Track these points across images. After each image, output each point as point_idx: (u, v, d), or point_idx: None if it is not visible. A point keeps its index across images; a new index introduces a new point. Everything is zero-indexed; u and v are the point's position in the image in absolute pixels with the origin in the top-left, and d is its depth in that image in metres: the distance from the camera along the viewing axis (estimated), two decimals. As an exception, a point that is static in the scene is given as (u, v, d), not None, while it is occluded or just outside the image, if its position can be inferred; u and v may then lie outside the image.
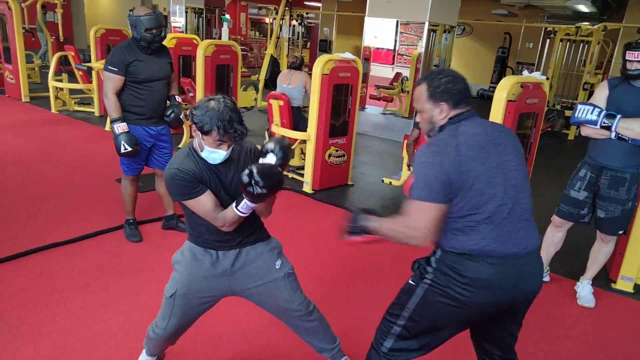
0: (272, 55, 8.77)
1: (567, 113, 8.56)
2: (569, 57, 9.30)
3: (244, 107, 7.29)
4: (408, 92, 7.76)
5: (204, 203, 1.69)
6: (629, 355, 2.61)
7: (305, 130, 4.59)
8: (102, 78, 3.05)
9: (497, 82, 12.93)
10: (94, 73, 6.70)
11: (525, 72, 3.60)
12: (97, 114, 7.12)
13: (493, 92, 11.10)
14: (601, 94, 2.79)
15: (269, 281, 1.83)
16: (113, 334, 2.36)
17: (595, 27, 8.73)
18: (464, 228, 1.53)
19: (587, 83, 8.56)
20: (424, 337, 1.67)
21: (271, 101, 4.81)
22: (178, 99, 3.29)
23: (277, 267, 1.86)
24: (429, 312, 1.62)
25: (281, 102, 4.73)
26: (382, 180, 4.66)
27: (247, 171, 1.57)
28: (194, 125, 1.66)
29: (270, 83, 8.81)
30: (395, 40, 8.29)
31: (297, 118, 4.96)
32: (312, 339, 1.97)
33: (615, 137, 2.66)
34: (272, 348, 2.36)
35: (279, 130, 4.81)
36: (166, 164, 3.30)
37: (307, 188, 4.67)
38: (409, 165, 4.49)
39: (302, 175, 4.87)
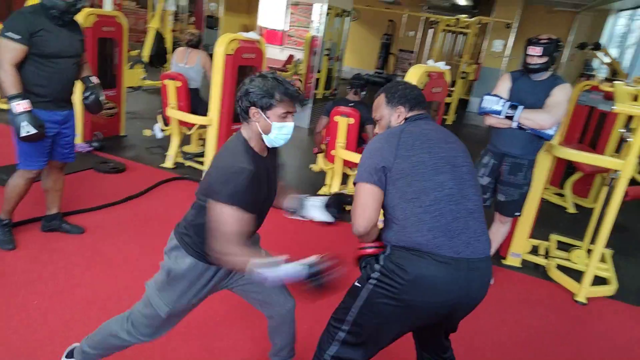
0: (157, 30, 8.03)
1: (447, 100, 9.19)
2: (447, 47, 9.98)
3: (130, 87, 6.61)
4: (301, 75, 7.68)
5: (240, 220, 1.45)
6: (527, 323, 2.87)
7: (204, 115, 4.26)
8: None
9: (382, 68, 13.50)
10: None
11: (430, 62, 3.71)
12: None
13: (377, 77, 11.45)
14: (504, 86, 2.97)
15: None
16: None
17: (472, 19, 9.46)
18: (410, 217, 1.50)
19: (464, 72, 9.27)
20: (368, 345, 1.61)
21: (166, 82, 4.38)
22: (94, 79, 2.89)
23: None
24: (372, 314, 1.56)
25: (178, 83, 4.33)
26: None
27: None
28: (252, 109, 1.46)
29: (156, 60, 8.11)
30: (285, 21, 8.13)
31: (195, 101, 4.58)
32: (281, 338, 1.90)
33: (516, 126, 2.86)
34: None
35: (175, 114, 4.41)
36: (69, 155, 2.89)
37: (209, 176, 4.37)
38: (315, 153, 4.45)
39: (201, 163, 4.55)
